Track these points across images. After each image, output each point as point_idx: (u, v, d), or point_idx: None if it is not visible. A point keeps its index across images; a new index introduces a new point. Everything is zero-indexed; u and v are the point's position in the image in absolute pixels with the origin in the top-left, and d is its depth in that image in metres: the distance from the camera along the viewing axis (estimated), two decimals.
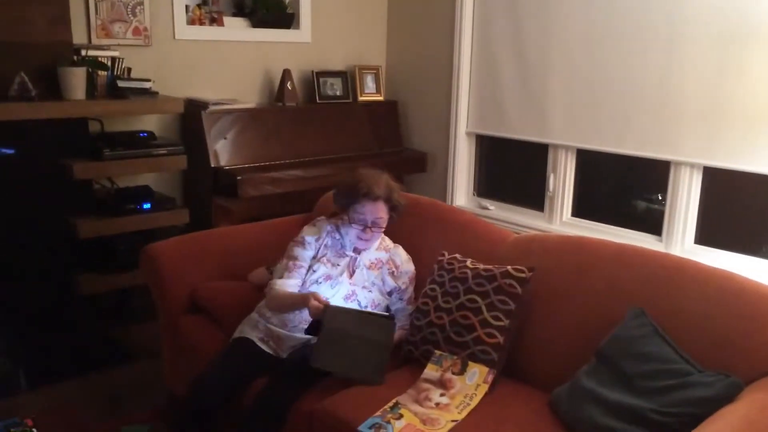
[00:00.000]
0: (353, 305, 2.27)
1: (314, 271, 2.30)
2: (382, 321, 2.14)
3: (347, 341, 2.01)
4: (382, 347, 2.07)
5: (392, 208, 2.33)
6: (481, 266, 2.20)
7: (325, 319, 2.00)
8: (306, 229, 2.40)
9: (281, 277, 2.27)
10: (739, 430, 1.48)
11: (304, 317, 2.20)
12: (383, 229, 2.34)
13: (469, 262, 2.23)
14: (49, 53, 2.91)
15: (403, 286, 2.36)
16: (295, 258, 2.30)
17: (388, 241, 2.43)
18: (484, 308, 2.08)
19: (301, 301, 2.15)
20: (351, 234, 2.30)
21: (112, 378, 3.02)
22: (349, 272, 2.31)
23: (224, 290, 2.59)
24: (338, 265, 2.31)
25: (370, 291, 2.31)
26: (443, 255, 2.30)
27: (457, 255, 2.29)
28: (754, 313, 1.81)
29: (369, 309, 2.28)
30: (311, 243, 2.33)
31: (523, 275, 2.11)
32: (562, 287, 2.15)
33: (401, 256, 2.40)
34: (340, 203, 2.36)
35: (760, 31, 2.73)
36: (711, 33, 2.87)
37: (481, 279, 2.15)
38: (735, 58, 2.82)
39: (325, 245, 2.34)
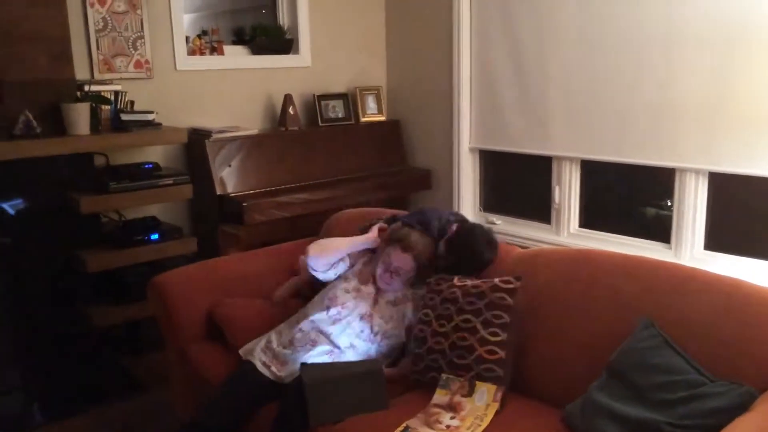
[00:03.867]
0: (366, 327, 2.29)
1: (347, 279, 2.42)
2: (365, 361, 2.21)
3: (336, 387, 2.02)
4: (374, 373, 2.08)
5: (418, 266, 2.39)
6: (469, 282, 2.20)
7: (305, 377, 2.02)
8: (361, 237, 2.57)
9: None
10: None
11: (311, 337, 2.25)
12: (403, 280, 2.40)
13: (456, 280, 2.23)
14: (52, 90, 2.95)
15: None
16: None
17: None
18: (479, 326, 2.08)
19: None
20: (377, 272, 2.40)
21: (124, 409, 3.02)
22: (374, 297, 2.38)
23: (243, 307, 2.60)
24: (369, 286, 2.41)
25: (386, 322, 2.34)
26: (431, 278, 2.31)
27: (444, 275, 2.29)
28: (763, 320, 1.78)
29: (379, 336, 2.31)
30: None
31: (511, 286, 2.11)
32: (569, 301, 2.14)
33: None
34: (385, 243, 2.47)
35: (758, 34, 2.73)
36: (709, 37, 2.87)
37: (471, 297, 2.14)
38: (734, 62, 2.81)
39: (360, 268, 2.48)
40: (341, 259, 2.47)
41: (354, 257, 2.51)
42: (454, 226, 2.41)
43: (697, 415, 1.66)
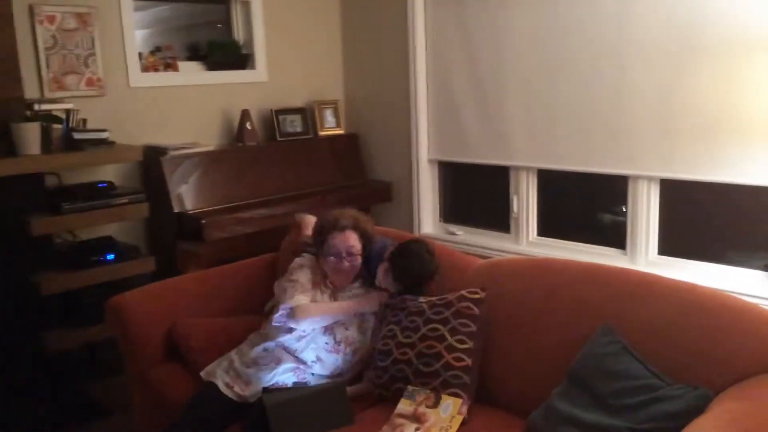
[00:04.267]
0: (329, 339, 2.27)
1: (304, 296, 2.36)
2: (328, 382, 2.19)
3: (298, 405, 2.01)
4: (336, 389, 2.08)
5: (362, 236, 2.39)
6: (435, 297, 2.22)
7: (265, 400, 2.00)
8: (296, 260, 2.49)
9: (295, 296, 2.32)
10: None
11: (275, 355, 2.22)
12: (358, 259, 2.38)
13: (421, 298, 2.25)
14: (1, 110, 2.88)
15: None
16: (297, 281, 2.37)
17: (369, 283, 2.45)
18: (447, 334, 2.10)
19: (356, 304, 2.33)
20: (328, 268, 2.36)
21: None
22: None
23: (202, 326, 2.56)
24: (324, 293, 2.37)
25: (347, 328, 2.32)
26: (393, 297, 2.31)
27: (407, 295, 2.28)
28: (718, 323, 1.83)
29: (342, 345, 2.29)
30: (305, 267, 2.42)
31: (477, 296, 2.14)
32: (530, 309, 2.16)
33: (382, 295, 2.41)
34: (316, 245, 2.43)
35: (706, 46, 2.81)
36: (659, 50, 2.95)
37: (438, 308, 2.17)
38: (683, 73, 2.90)
39: (309, 278, 2.42)
40: (306, 290, 2.35)
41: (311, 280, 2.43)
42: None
43: (655, 419, 1.69)
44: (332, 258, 2.34)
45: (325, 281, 2.40)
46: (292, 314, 2.25)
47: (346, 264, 2.34)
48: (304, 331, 2.27)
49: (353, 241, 2.36)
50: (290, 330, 2.27)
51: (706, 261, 3.04)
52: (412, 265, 2.30)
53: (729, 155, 2.81)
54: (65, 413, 3.07)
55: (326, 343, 2.27)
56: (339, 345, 2.28)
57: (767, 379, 1.72)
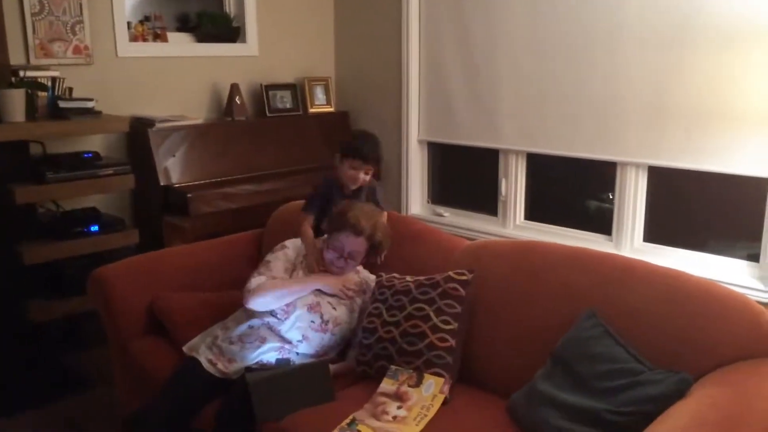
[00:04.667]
0: (315, 317, 2.26)
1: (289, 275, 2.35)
2: (310, 361, 2.19)
3: (280, 382, 2.01)
4: (318, 366, 2.08)
5: (372, 247, 2.37)
6: (422, 277, 2.22)
7: (247, 378, 2.00)
8: (289, 242, 2.48)
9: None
10: (689, 427, 1.50)
11: (260, 333, 2.21)
12: (357, 264, 2.38)
13: (408, 277, 2.25)
14: None
15: None
16: (269, 269, 2.35)
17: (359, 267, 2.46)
18: (432, 314, 2.10)
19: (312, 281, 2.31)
20: (327, 258, 2.35)
21: (67, 407, 2.94)
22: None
23: (185, 300, 2.54)
24: (311, 274, 2.36)
25: (335, 308, 2.31)
26: (380, 276, 2.32)
27: (395, 274, 2.30)
28: (701, 309, 1.85)
29: (330, 324, 2.27)
30: (289, 257, 2.41)
31: (464, 278, 2.14)
32: (516, 292, 2.17)
33: (370, 276, 2.44)
34: (329, 226, 2.41)
35: (697, 33, 2.81)
36: (650, 36, 2.95)
37: (425, 287, 2.17)
38: (673, 60, 2.90)
39: (303, 257, 2.41)
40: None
41: (289, 264, 2.42)
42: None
43: (635, 402, 1.71)
44: (333, 252, 2.33)
45: (315, 267, 2.38)
46: (245, 297, 2.24)
47: (342, 263, 2.33)
48: (285, 311, 2.24)
49: (360, 248, 2.34)
50: (272, 311, 2.25)
51: (690, 249, 3.06)
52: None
53: (717, 144, 2.82)
54: (46, 384, 3.05)
55: (312, 322, 2.25)
56: (326, 324, 2.27)
57: (748, 366, 1.74)
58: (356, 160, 2.50)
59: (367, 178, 2.55)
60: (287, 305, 2.25)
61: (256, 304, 2.22)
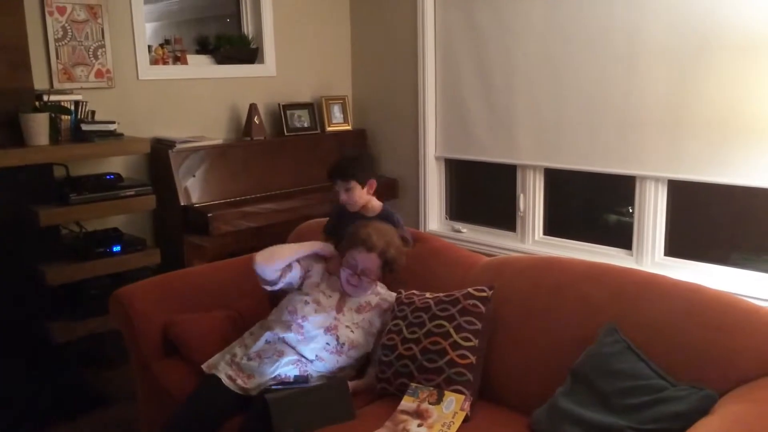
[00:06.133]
0: (332, 339, 2.26)
1: (307, 294, 2.35)
2: (330, 378, 2.19)
3: (299, 399, 2.01)
4: (338, 384, 2.08)
5: (386, 263, 2.36)
6: (442, 294, 2.22)
7: (267, 396, 2.01)
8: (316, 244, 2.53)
9: None
10: None
11: (277, 348, 2.22)
12: (372, 282, 2.38)
13: (428, 294, 2.25)
14: (10, 100, 2.89)
15: None
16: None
17: (379, 286, 2.45)
18: (452, 331, 2.09)
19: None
20: (342, 276, 2.36)
21: (89, 425, 2.96)
22: (338, 307, 2.34)
23: (198, 322, 2.54)
24: (330, 296, 2.36)
25: (352, 331, 2.30)
26: (400, 292, 2.32)
27: (415, 290, 2.30)
28: (722, 323, 1.83)
29: (346, 347, 2.27)
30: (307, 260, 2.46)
31: (484, 294, 2.14)
32: (535, 308, 2.16)
33: (391, 295, 2.42)
34: (344, 245, 2.41)
35: (717, 45, 2.80)
36: (669, 49, 2.94)
37: (445, 304, 2.16)
38: (693, 73, 2.89)
39: (320, 275, 2.43)
40: (290, 267, 2.38)
41: (305, 266, 2.43)
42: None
43: (659, 420, 1.69)
44: (347, 269, 2.34)
45: (338, 283, 2.39)
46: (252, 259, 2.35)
47: (356, 280, 2.33)
48: (301, 329, 2.25)
49: (373, 264, 2.33)
50: (289, 326, 2.26)
51: (713, 263, 3.03)
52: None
53: (737, 157, 2.80)
54: (67, 403, 3.08)
55: (327, 344, 2.25)
56: (342, 347, 2.27)
57: None
58: (334, 182, 2.56)
59: (352, 196, 2.54)
60: (301, 318, 2.27)
61: (260, 265, 2.33)
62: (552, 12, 3.32)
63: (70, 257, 3.09)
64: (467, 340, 2.07)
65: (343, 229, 2.48)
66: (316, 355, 2.24)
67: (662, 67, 2.97)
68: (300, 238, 2.86)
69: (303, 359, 2.22)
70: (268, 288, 2.39)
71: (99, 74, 3.37)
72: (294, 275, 2.39)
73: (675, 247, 3.16)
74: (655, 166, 3.07)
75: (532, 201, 3.66)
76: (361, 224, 2.39)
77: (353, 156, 2.68)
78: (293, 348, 2.23)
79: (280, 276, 2.35)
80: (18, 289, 3.00)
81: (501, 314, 2.19)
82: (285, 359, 2.20)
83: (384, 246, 2.33)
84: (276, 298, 2.52)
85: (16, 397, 2.98)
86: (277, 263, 2.35)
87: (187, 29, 4.11)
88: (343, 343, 2.27)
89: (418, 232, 3.00)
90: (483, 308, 2.11)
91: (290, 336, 2.24)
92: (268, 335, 2.27)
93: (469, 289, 2.17)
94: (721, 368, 1.78)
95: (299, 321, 2.27)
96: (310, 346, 2.24)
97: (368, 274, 2.34)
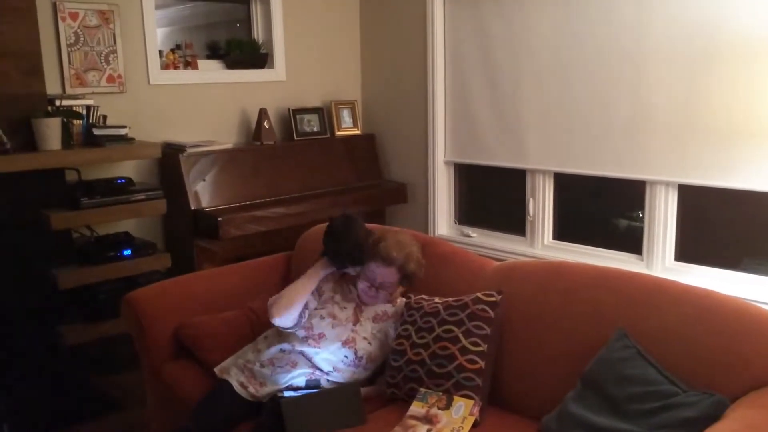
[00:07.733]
0: (350, 353, 2.25)
1: (322, 308, 2.32)
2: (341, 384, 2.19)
3: (312, 403, 2.02)
4: (350, 389, 2.08)
5: (405, 277, 2.34)
6: (451, 299, 2.21)
7: (281, 398, 2.02)
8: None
9: None
10: None
11: (291, 358, 2.21)
12: (389, 294, 2.35)
13: (437, 299, 2.25)
14: (23, 105, 2.92)
15: None
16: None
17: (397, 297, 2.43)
18: (461, 336, 2.09)
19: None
20: (359, 287, 2.33)
21: (100, 429, 2.98)
22: (354, 318, 2.32)
23: (210, 325, 2.55)
24: (345, 308, 2.33)
25: (369, 343, 2.29)
26: (409, 297, 2.31)
27: (424, 295, 2.29)
28: (733, 329, 1.82)
29: (364, 360, 2.26)
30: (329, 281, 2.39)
31: (493, 299, 2.13)
32: (545, 313, 2.15)
33: (404, 301, 2.40)
34: (362, 256, 2.35)
35: (726, 50, 2.79)
36: (678, 54, 2.93)
37: (454, 309, 2.16)
38: (703, 77, 2.87)
39: (331, 288, 2.37)
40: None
41: (316, 290, 2.37)
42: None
43: (670, 425, 1.68)
44: (365, 282, 2.30)
45: (352, 294, 2.36)
46: (269, 314, 2.25)
47: (373, 293, 2.31)
48: (318, 344, 2.23)
49: (392, 278, 2.30)
50: (306, 339, 2.24)
51: (724, 268, 3.01)
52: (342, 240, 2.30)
53: (747, 161, 2.79)
54: (78, 406, 3.10)
55: (345, 357, 2.24)
56: (360, 361, 2.25)
57: None
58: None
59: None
60: (318, 334, 2.25)
61: (280, 318, 2.22)
62: (561, 19, 3.32)
63: (81, 261, 3.11)
64: (476, 345, 2.07)
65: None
66: (333, 367, 2.23)
67: (672, 72, 2.96)
68: (309, 243, 2.87)
69: (317, 371, 2.21)
70: (291, 330, 2.29)
71: (110, 79, 3.40)
72: (311, 306, 2.32)
73: (685, 252, 3.15)
74: (665, 171, 3.06)
75: (542, 205, 3.65)
76: (381, 236, 2.34)
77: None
78: (309, 360, 2.22)
79: (300, 317, 2.27)
80: (29, 292, 3.03)
81: (510, 319, 2.18)
82: (298, 370, 2.19)
83: (404, 260, 2.29)
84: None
85: (26, 400, 3.00)
86: (295, 309, 2.25)
87: (198, 34, 4.13)
88: (362, 357, 2.26)
89: (427, 236, 3.00)
90: (492, 313, 2.11)
91: (307, 349, 2.23)
92: (284, 345, 2.25)
93: (478, 294, 2.17)
94: (732, 374, 1.77)
95: (316, 336, 2.25)
96: (327, 358, 2.23)
97: (386, 287, 2.31)
